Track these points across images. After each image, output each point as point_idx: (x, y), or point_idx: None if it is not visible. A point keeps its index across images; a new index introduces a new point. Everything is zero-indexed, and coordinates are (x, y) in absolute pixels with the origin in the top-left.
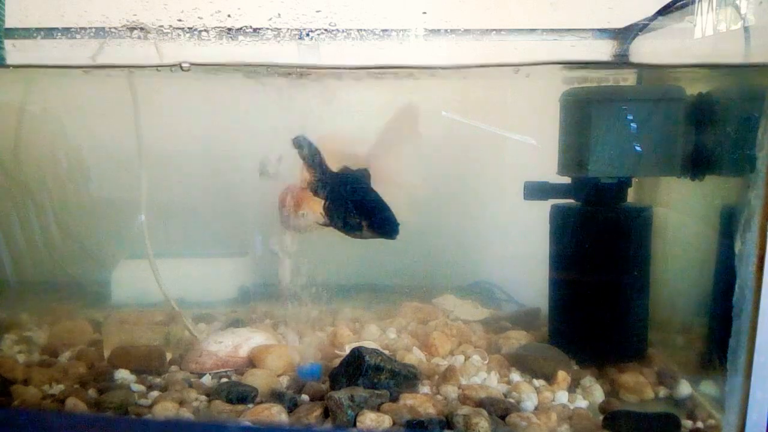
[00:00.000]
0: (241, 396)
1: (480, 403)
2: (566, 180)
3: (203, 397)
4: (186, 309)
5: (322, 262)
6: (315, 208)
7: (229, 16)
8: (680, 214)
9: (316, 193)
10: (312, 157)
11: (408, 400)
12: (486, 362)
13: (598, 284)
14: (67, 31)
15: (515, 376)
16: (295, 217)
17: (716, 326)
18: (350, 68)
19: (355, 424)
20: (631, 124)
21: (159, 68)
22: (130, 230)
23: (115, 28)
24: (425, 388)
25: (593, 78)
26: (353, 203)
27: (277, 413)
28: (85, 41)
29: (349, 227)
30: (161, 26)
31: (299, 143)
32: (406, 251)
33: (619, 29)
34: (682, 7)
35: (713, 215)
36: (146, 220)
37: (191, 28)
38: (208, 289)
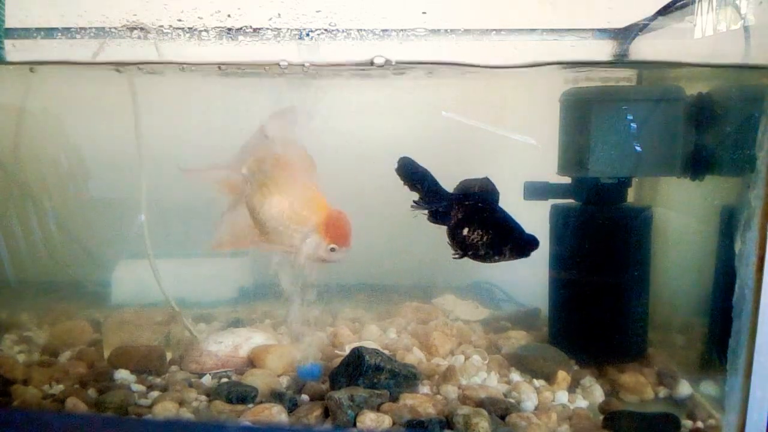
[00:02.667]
0: (241, 396)
1: (480, 403)
2: (566, 180)
3: (203, 397)
4: (186, 309)
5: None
6: (343, 238)
7: (229, 16)
8: (680, 214)
9: (437, 221)
10: (421, 180)
11: (408, 400)
12: (486, 362)
13: (598, 284)
14: (67, 31)
15: (515, 376)
16: (321, 253)
17: (716, 326)
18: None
19: (355, 424)
20: (631, 124)
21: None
22: (130, 230)
23: (115, 28)
24: (425, 388)
25: (600, 78)
26: (491, 225)
27: (277, 413)
28: (85, 41)
29: (488, 255)
30: (161, 26)
31: (406, 167)
32: (406, 251)
33: (619, 29)
34: (682, 7)
35: (713, 215)
36: (146, 220)
37: (191, 28)
38: (208, 289)
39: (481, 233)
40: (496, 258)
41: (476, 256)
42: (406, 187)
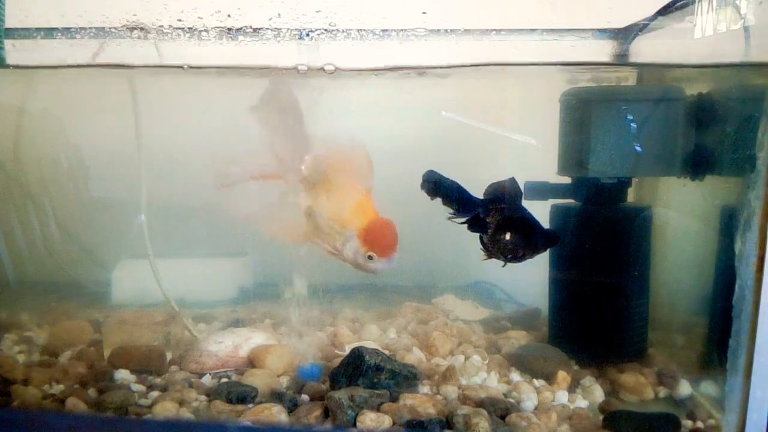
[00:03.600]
0: (241, 396)
1: (480, 403)
2: (566, 180)
3: (203, 397)
4: (186, 309)
5: (321, 262)
6: (382, 248)
7: (229, 16)
8: (680, 214)
9: (475, 229)
10: (452, 192)
11: (408, 400)
12: (486, 362)
13: (598, 284)
14: (67, 31)
15: (515, 376)
16: (359, 260)
17: (716, 326)
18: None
19: (355, 424)
20: (631, 124)
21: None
22: (130, 230)
23: (115, 28)
24: (425, 388)
25: (600, 77)
26: (525, 226)
27: (277, 413)
28: (85, 41)
29: (525, 256)
30: (161, 26)
31: (433, 181)
32: (407, 251)
33: (619, 29)
34: (682, 7)
35: (713, 215)
36: (146, 220)
37: (191, 28)
38: (208, 289)
39: (517, 235)
40: (530, 257)
41: (515, 258)
42: (437, 199)
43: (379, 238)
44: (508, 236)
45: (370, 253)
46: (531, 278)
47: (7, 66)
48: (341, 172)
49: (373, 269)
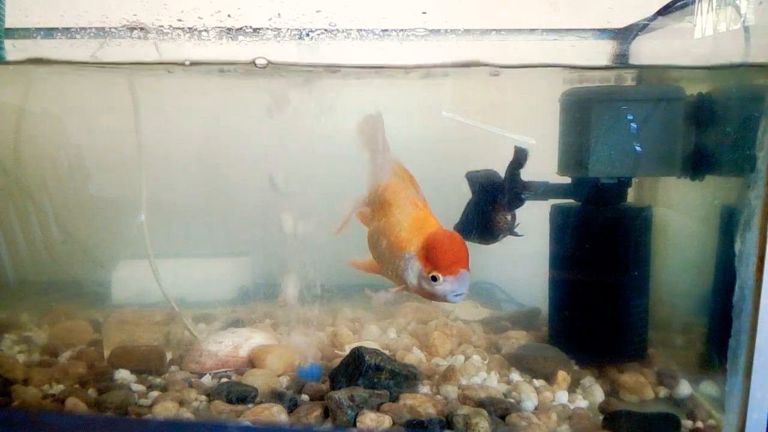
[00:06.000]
0: (241, 396)
1: (480, 403)
2: (566, 180)
3: (203, 397)
4: (186, 309)
5: (321, 262)
6: (446, 265)
7: (229, 16)
8: (680, 214)
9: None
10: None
11: (408, 400)
12: (486, 362)
13: (598, 284)
14: (67, 31)
15: (515, 376)
16: (424, 284)
17: (716, 326)
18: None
19: (355, 424)
20: (631, 124)
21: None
22: (130, 230)
23: (115, 28)
24: (425, 388)
25: (600, 77)
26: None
27: (277, 413)
28: (85, 41)
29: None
30: (161, 26)
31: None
32: None
33: (619, 29)
34: (682, 7)
35: (713, 215)
36: (146, 220)
37: (191, 28)
38: (208, 289)
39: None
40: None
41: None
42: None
43: (440, 254)
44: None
45: (434, 273)
46: (531, 278)
47: (7, 63)
48: (388, 191)
49: (442, 294)
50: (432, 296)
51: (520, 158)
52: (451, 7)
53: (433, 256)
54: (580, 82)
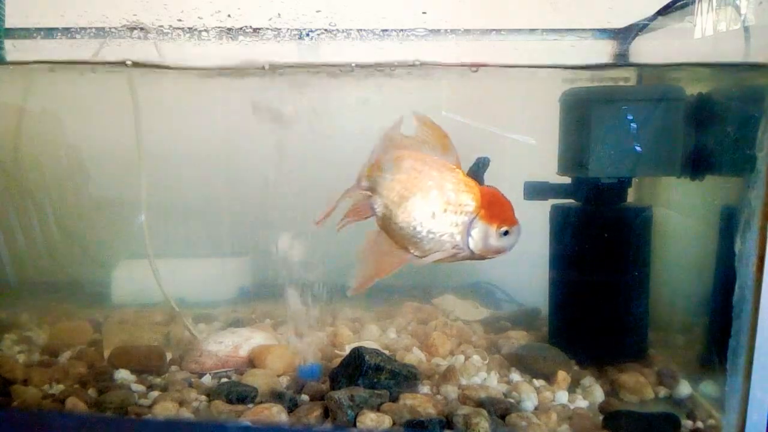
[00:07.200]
0: (241, 396)
1: (480, 403)
2: (566, 180)
3: (203, 397)
4: (186, 309)
5: (321, 262)
6: (512, 216)
7: (229, 16)
8: (680, 214)
9: None
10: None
11: (408, 400)
12: (486, 362)
13: (598, 284)
14: (67, 31)
15: (515, 376)
16: (493, 242)
17: (716, 326)
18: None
19: (355, 424)
20: (631, 124)
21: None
22: (130, 230)
23: (115, 28)
24: (425, 388)
25: (600, 77)
26: None
27: (277, 413)
28: (86, 41)
29: None
30: (161, 26)
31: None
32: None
33: (619, 29)
34: (682, 7)
35: (713, 215)
36: (146, 220)
37: (191, 28)
38: (208, 289)
39: None
40: None
41: None
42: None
43: (505, 208)
44: None
45: (505, 228)
46: (531, 278)
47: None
48: (417, 159)
49: (509, 247)
50: (493, 253)
51: (477, 166)
52: (451, 7)
53: (499, 212)
54: (580, 82)
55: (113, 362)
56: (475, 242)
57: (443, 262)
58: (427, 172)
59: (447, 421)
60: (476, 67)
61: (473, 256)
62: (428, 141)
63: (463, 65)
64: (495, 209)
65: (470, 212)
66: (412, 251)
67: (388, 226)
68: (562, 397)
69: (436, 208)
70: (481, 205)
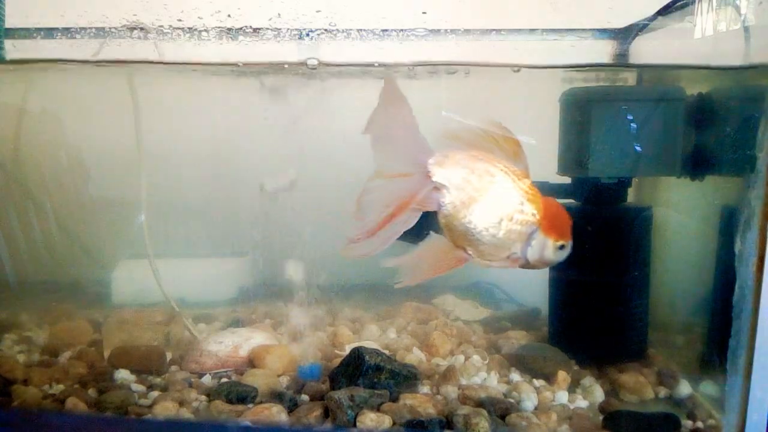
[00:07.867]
0: (241, 396)
1: (480, 403)
2: (566, 180)
3: (203, 397)
4: (186, 309)
5: (321, 262)
6: (569, 232)
7: (229, 16)
8: (680, 214)
9: None
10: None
11: (408, 400)
12: (486, 362)
13: (598, 284)
14: (67, 31)
15: (515, 376)
16: (549, 255)
17: (716, 326)
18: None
19: (355, 424)
20: (631, 124)
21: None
22: (130, 230)
23: (115, 28)
24: (425, 388)
25: (600, 77)
26: None
27: (277, 413)
28: (86, 41)
29: None
30: (161, 26)
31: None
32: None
33: (619, 29)
34: (682, 7)
35: (713, 215)
36: (146, 220)
37: (191, 28)
38: (208, 289)
39: None
40: None
41: None
42: None
43: (564, 222)
44: None
45: (562, 242)
46: (531, 278)
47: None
48: (488, 162)
49: (560, 259)
50: (544, 264)
51: None
52: (451, 7)
53: (559, 225)
54: (579, 82)
55: (113, 362)
56: (532, 253)
57: (497, 267)
58: (501, 179)
59: (447, 421)
60: (518, 67)
61: (526, 265)
62: (501, 146)
63: (504, 65)
64: (556, 222)
65: (533, 223)
66: (470, 252)
67: (451, 223)
68: (562, 397)
69: (504, 216)
70: (543, 216)
